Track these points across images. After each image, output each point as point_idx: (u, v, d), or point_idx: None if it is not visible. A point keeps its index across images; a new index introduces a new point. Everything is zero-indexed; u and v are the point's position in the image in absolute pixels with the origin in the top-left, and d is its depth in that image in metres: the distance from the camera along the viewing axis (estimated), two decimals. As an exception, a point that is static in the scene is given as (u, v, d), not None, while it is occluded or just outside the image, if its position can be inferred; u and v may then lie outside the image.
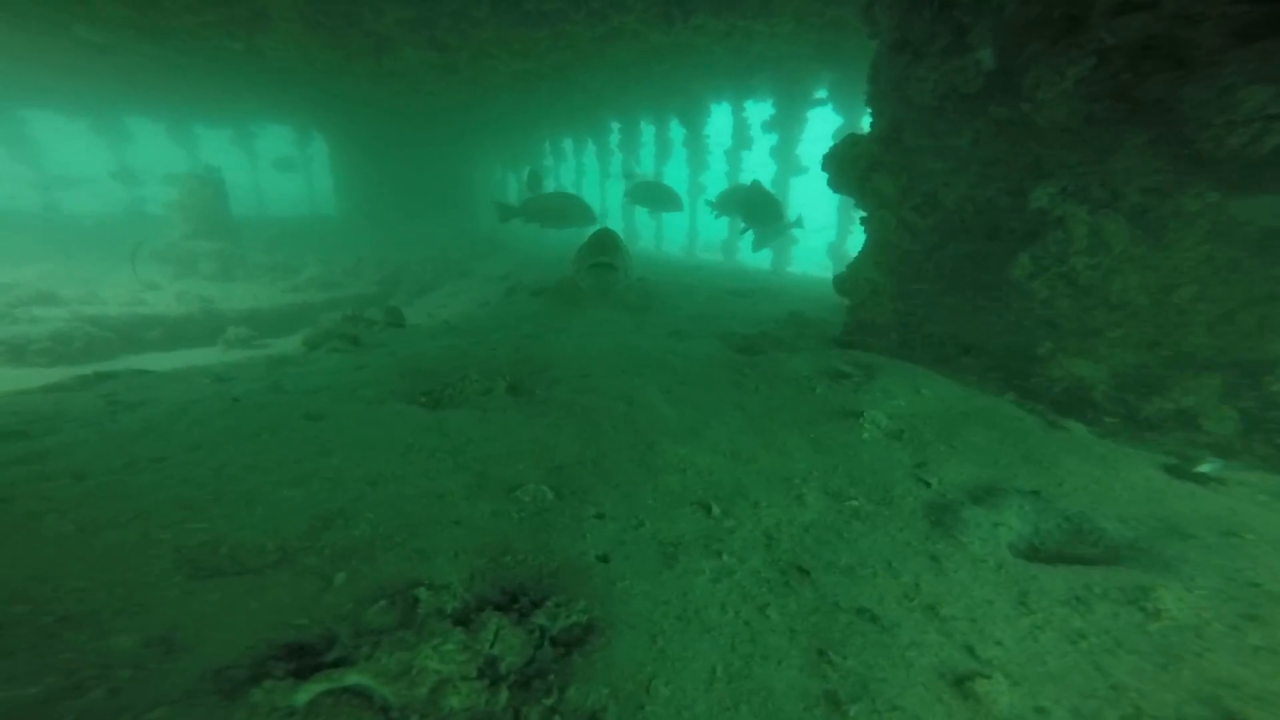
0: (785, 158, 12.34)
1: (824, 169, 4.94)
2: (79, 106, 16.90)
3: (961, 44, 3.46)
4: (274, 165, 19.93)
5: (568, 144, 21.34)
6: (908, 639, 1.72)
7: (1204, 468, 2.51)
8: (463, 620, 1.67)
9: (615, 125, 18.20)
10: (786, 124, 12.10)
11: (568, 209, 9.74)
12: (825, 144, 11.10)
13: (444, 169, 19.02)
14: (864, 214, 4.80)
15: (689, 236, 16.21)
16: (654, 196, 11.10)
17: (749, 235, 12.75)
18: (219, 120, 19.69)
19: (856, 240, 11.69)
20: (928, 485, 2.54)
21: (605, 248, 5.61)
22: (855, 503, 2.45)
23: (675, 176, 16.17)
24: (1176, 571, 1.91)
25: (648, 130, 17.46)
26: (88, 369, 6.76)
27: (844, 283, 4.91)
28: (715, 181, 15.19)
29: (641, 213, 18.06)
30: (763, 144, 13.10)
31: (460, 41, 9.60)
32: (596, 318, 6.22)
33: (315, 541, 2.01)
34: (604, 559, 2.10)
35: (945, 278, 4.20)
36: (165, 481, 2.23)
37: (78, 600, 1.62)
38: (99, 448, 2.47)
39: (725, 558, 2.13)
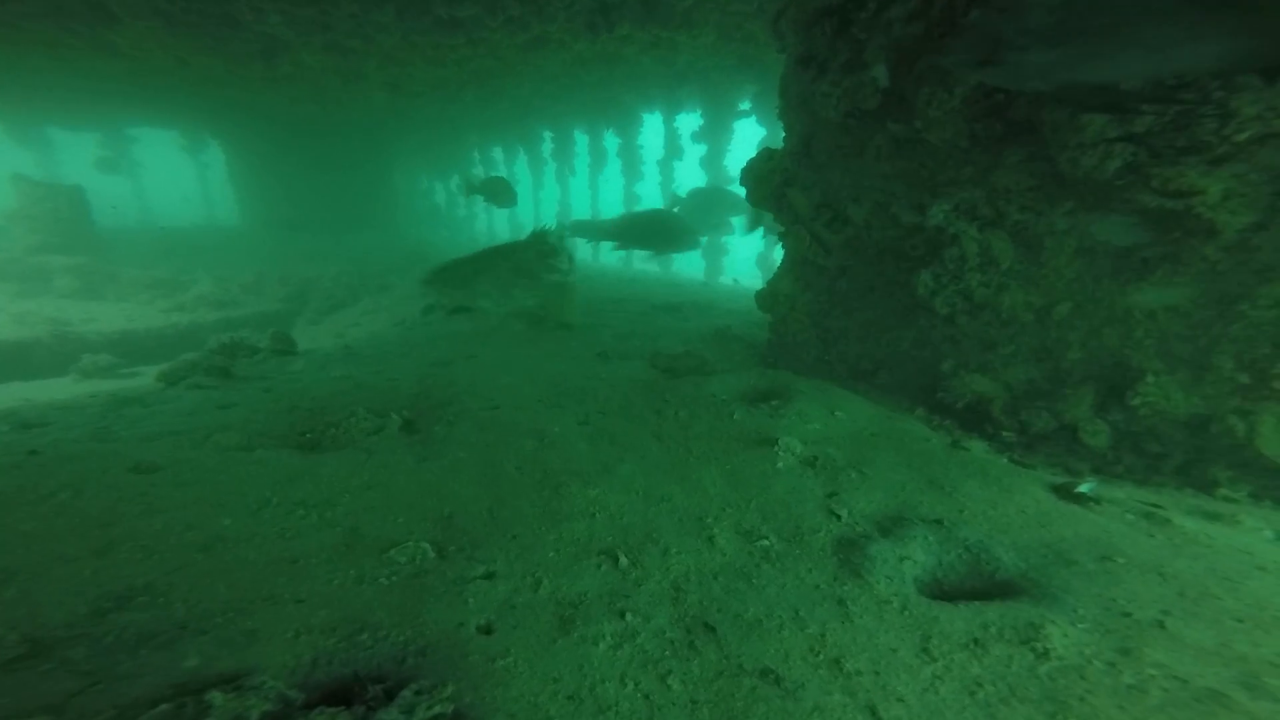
0: (714, 168, 12.54)
1: (742, 183, 4.92)
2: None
3: (859, 61, 3.50)
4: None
5: (498, 152, 20.78)
6: (811, 703, 1.57)
7: (1083, 487, 2.57)
8: (280, 733, 1.34)
9: (548, 134, 17.90)
10: (715, 134, 12.31)
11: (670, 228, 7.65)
12: (751, 154, 11.40)
13: (362, 178, 17.92)
14: (781, 229, 4.81)
15: (626, 249, 16.10)
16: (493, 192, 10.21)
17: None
18: (82, 123, 17.45)
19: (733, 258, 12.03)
20: (838, 518, 2.44)
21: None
22: (766, 542, 2.31)
23: (611, 186, 16.11)
24: (1062, 604, 1.89)
25: (581, 140, 17.30)
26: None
27: (765, 298, 4.88)
28: (649, 191, 15.23)
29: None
30: (693, 154, 13.27)
31: (364, 46, 9.01)
32: (518, 339, 5.89)
33: (94, 628, 1.59)
34: (486, 630, 1.82)
35: (858, 294, 4.24)
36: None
37: None
38: None
39: (629, 618, 1.91)
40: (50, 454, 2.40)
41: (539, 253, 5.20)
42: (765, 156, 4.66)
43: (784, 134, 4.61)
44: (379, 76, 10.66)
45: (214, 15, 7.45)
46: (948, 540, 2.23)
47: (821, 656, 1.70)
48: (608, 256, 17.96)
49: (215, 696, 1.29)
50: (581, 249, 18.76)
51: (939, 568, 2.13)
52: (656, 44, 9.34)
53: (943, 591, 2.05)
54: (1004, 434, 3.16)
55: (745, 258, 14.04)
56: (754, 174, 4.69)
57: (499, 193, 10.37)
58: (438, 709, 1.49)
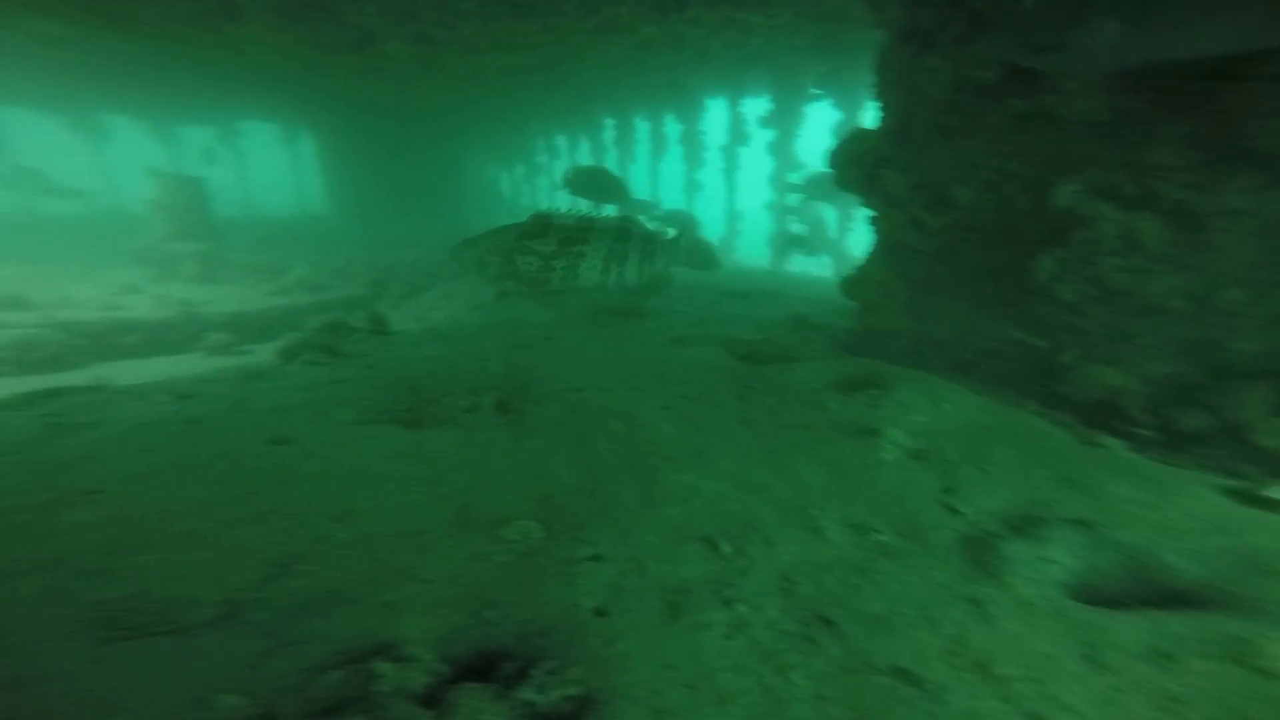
0: (783, 153, 12.09)
1: (830, 165, 4.69)
2: (52, 104, 16.41)
3: (978, 31, 3.21)
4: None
5: (561, 141, 21.01)
6: (961, 707, 1.48)
7: (1275, 491, 2.27)
8: (432, 700, 1.41)
9: (609, 121, 17.89)
10: (784, 119, 11.84)
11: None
12: (824, 140, 10.89)
13: (435, 166, 18.67)
14: (872, 213, 4.55)
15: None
16: (595, 186, 9.89)
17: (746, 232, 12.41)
18: (204, 119, 19.23)
19: (855, 239, 11.51)
20: (960, 515, 2.30)
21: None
22: (881, 537, 2.21)
23: (671, 173, 15.91)
24: (1276, 619, 1.67)
25: (642, 126, 17.16)
26: (56, 377, 6.47)
27: (851, 285, 4.66)
28: (711, 178, 14.92)
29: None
30: (760, 139, 12.84)
31: (446, 35, 9.28)
32: (591, 323, 5.96)
33: (267, 592, 1.75)
34: (600, 612, 1.85)
35: (959, 279, 3.96)
36: (94, 521, 1.96)
37: None
38: (22, 480, 2.19)
39: (739, 607, 1.88)
40: (205, 425, 2.67)
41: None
42: (857, 137, 4.41)
43: (880, 113, 4.34)
44: (456, 65, 10.99)
45: (319, 7, 7.94)
46: (1099, 543, 2.04)
47: (963, 659, 1.60)
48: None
49: (383, 666, 1.38)
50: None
51: (1089, 572, 1.96)
52: (727, 25, 9.03)
53: (1096, 598, 1.88)
54: (1140, 431, 2.86)
55: (757, 240, 13.46)
56: (845, 155, 4.46)
57: (606, 188, 10.04)
58: (570, 690, 1.53)
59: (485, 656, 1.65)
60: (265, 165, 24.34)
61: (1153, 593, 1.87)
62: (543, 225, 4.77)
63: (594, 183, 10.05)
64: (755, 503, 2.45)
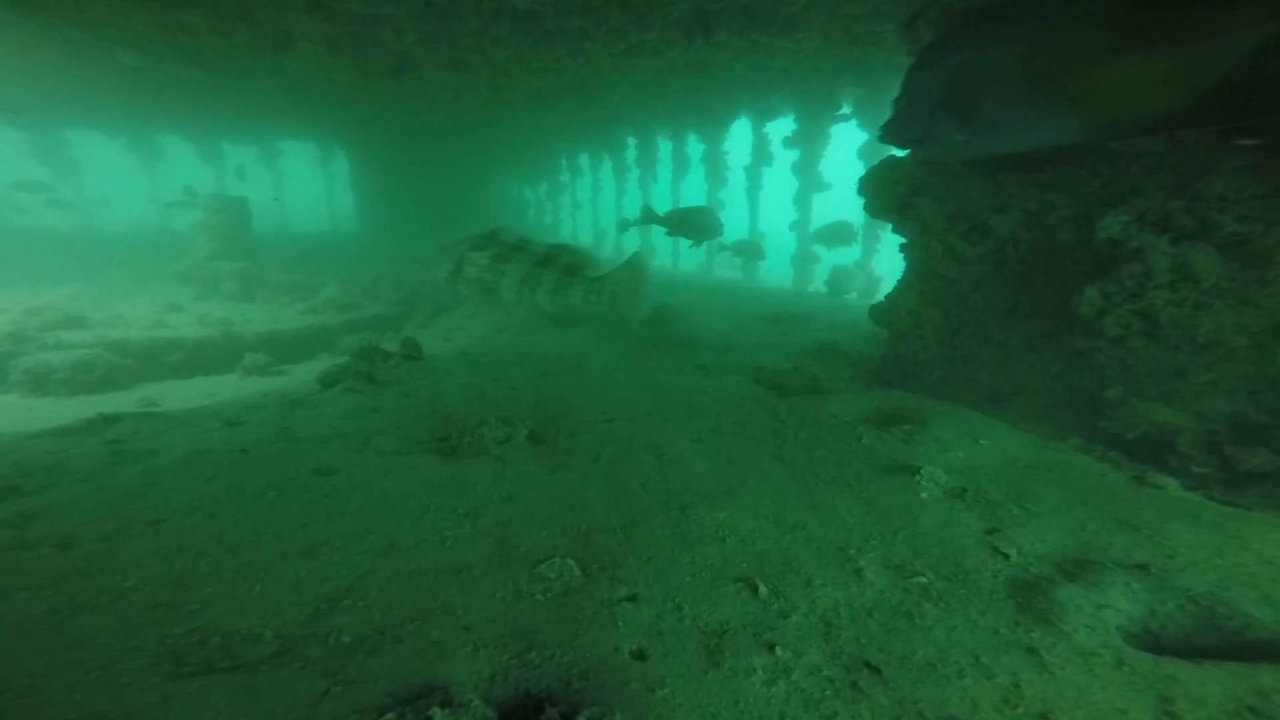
0: (807, 174, 12.11)
1: (860, 193, 4.69)
2: (117, 126, 17.42)
3: None
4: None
5: (584, 159, 21.38)
6: None
7: None
8: (483, 749, 1.43)
9: (632, 141, 18.16)
10: (809, 139, 11.88)
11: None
12: (848, 160, 10.87)
13: (461, 186, 19.14)
14: (903, 241, 4.53)
15: (708, 253, 16.00)
16: (692, 224, 10.03)
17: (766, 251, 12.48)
18: (245, 138, 20.13)
19: (882, 261, 11.44)
20: (1006, 557, 2.25)
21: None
22: (923, 579, 2.17)
23: (693, 193, 16.04)
24: None
25: (664, 146, 17.38)
26: (107, 398, 6.77)
27: (882, 313, 4.63)
28: (734, 197, 14.99)
29: (658, 230, 17.93)
30: (784, 159, 12.90)
31: (480, 60, 9.60)
32: (618, 349, 6.02)
33: (319, 628, 1.80)
34: (640, 656, 1.85)
35: (996, 311, 3.90)
36: (158, 551, 2.05)
37: (20, 711, 1.42)
38: (93, 508, 2.30)
39: (779, 652, 1.87)
40: (255, 454, 2.76)
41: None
42: (890, 164, 4.41)
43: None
44: (487, 89, 11.33)
45: (363, 36, 8.34)
46: (1161, 589, 1.97)
47: (1021, 710, 1.56)
48: (687, 262, 17.94)
49: (436, 712, 1.40)
50: (662, 255, 18.87)
51: (1151, 619, 1.89)
52: (753, 49, 9.16)
53: (1160, 647, 1.81)
54: (1196, 469, 2.77)
55: (781, 259, 13.41)
56: (877, 182, 4.46)
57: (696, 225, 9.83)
58: (611, 738, 1.53)
59: (529, 699, 1.67)
60: (299, 184, 25.28)
61: (1228, 644, 1.79)
62: (486, 240, 5.08)
63: (690, 219, 10.19)
64: (792, 542, 2.43)
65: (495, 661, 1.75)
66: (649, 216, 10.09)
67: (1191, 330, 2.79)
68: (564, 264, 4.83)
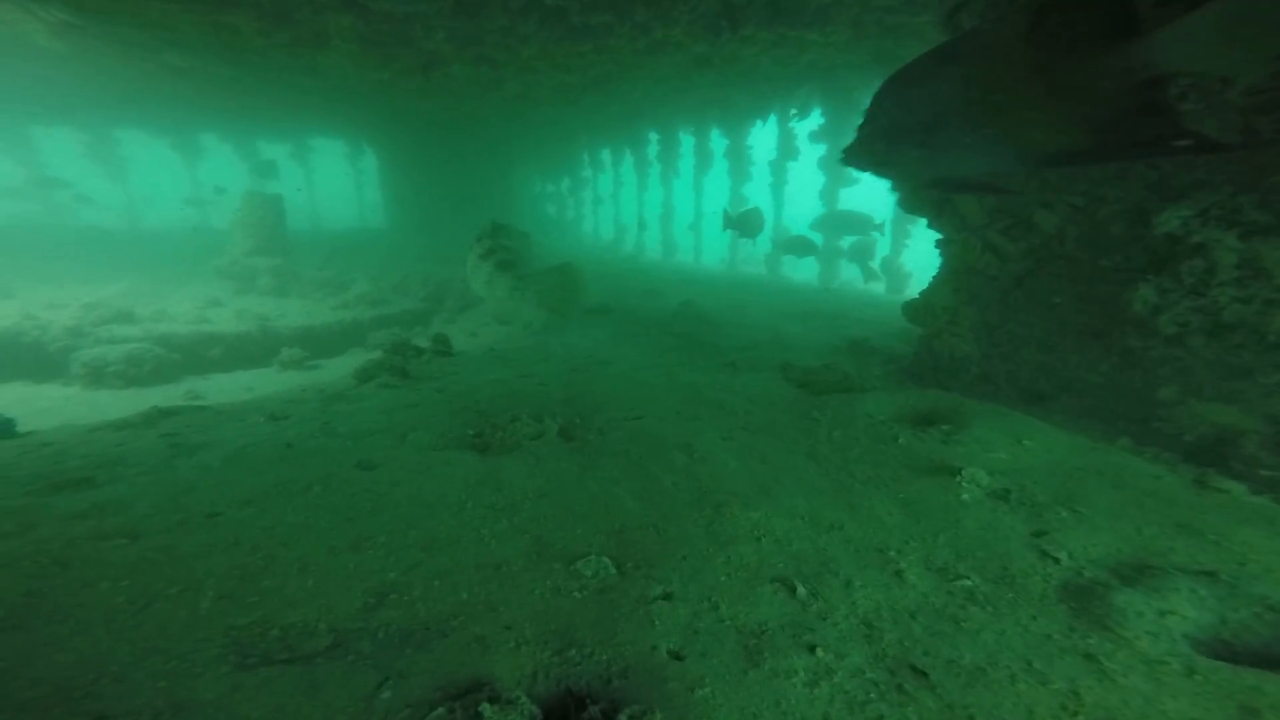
0: (834, 169, 11.88)
1: (895, 188, 4.59)
2: (162, 125, 18.12)
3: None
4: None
5: (605, 155, 21.37)
6: None
7: None
8: (531, 744, 1.45)
9: (654, 135, 18.09)
10: (836, 134, 11.65)
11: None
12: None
13: (485, 181, 19.34)
14: (940, 236, 4.42)
15: (731, 250, 15.86)
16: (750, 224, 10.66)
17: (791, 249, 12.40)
18: (279, 135, 20.68)
19: (911, 255, 11.18)
20: (1056, 561, 2.18)
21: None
22: (968, 582, 2.12)
23: (716, 188, 15.91)
24: None
25: (687, 141, 17.26)
26: (156, 391, 7.07)
27: (916, 310, 4.52)
28: (758, 193, 14.81)
29: (680, 226, 17.85)
30: (810, 155, 12.68)
31: (506, 57, 9.67)
32: (644, 345, 6.01)
33: (369, 622, 1.84)
34: (677, 655, 1.85)
35: (1038, 308, 3.78)
36: (217, 544, 2.13)
37: (118, 697, 1.49)
38: (156, 500, 2.40)
39: (820, 653, 1.85)
40: (299, 449, 2.85)
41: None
42: (926, 157, 4.29)
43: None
44: (512, 85, 11.42)
45: (394, 34, 8.50)
46: (1232, 596, 1.89)
47: (1081, 718, 1.52)
48: (709, 258, 17.80)
49: (486, 708, 1.43)
50: (684, 252, 18.76)
51: (1224, 627, 1.82)
52: (780, 43, 9.02)
53: (1233, 656, 1.74)
54: (1262, 472, 2.64)
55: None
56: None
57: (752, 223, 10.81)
58: (652, 737, 1.54)
59: (570, 696, 1.68)
60: (330, 180, 25.87)
61: None
62: (480, 235, 5.65)
63: (749, 220, 10.72)
64: (829, 543, 2.40)
65: (537, 658, 1.78)
66: (728, 222, 10.81)
67: (1261, 328, 2.65)
68: (499, 259, 5.39)
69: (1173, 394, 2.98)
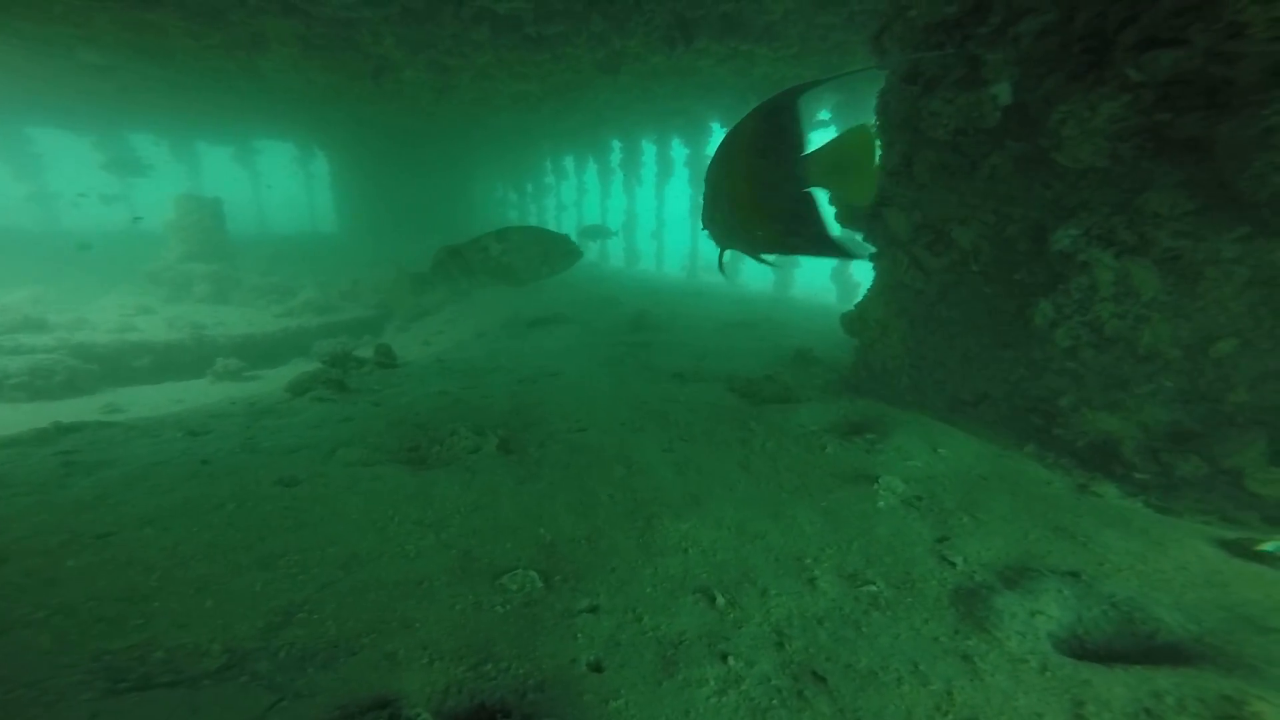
0: (787, 181, 12.24)
1: (831, 202, 4.78)
2: (83, 124, 17.00)
3: (977, 77, 3.31)
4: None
5: (569, 162, 21.38)
6: None
7: (1268, 546, 2.28)
8: (431, 765, 1.44)
9: (616, 144, 18.23)
10: (788, 147, 12.01)
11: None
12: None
13: (444, 188, 19.02)
14: (872, 250, 4.63)
15: (690, 258, 16.10)
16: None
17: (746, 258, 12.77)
18: (221, 138, 19.78)
19: (862, 267, 11.67)
20: (953, 565, 2.32)
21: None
22: (873, 588, 2.23)
23: (678, 196, 16.15)
24: (1266, 677, 1.68)
25: (649, 149, 17.48)
26: (67, 404, 6.60)
27: (852, 322, 4.72)
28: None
29: (643, 234, 18.03)
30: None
31: (460, 63, 9.58)
32: (598, 355, 6.04)
33: (270, 641, 1.79)
34: (596, 668, 1.87)
35: (959, 321, 4.01)
36: (105, 565, 2.02)
37: None
38: (37, 522, 2.25)
39: (731, 662, 1.91)
40: (216, 465, 2.73)
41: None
42: (858, 176, 4.50)
43: (882, 150, 4.44)
44: (468, 91, 11.31)
45: (339, 39, 8.28)
46: (1088, 595, 2.06)
47: (951, 716, 1.62)
48: (671, 268, 18.05)
49: (382, 727, 1.42)
50: (646, 260, 18.97)
51: (1078, 625, 1.98)
52: (734, 56, 9.29)
53: (1085, 652, 1.90)
54: (1137, 475, 2.88)
55: (821, 269, 13.66)
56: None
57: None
58: (561, 749, 1.56)
59: (483, 711, 1.68)
60: (278, 184, 24.87)
61: (1141, 647, 1.88)
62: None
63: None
64: (751, 552, 2.48)
65: (450, 674, 1.77)
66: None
67: (1133, 342, 2.90)
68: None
69: (1069, 403, 3.21)
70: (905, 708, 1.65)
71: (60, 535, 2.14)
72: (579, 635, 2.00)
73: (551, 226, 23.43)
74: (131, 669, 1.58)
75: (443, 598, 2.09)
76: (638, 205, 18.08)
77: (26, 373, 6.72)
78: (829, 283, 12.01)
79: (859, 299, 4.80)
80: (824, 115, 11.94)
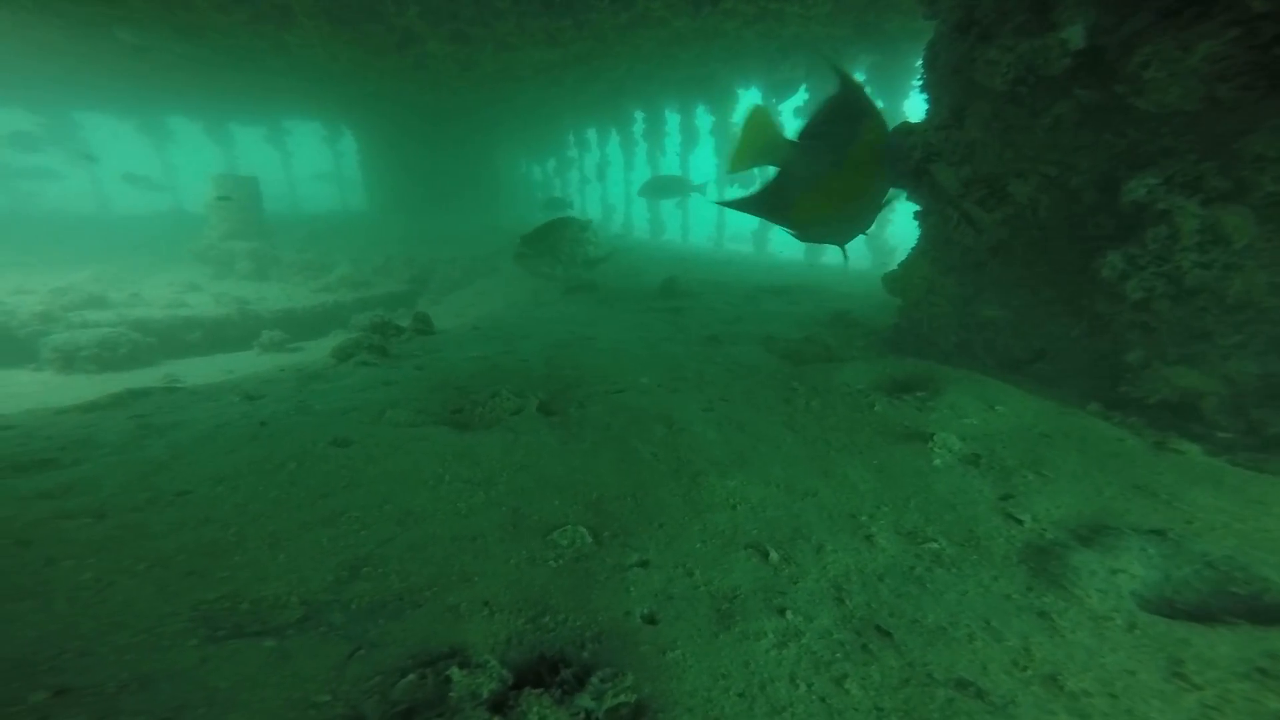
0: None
1: (873, 158, 4.56)
2: (126, 108, 17.47)
3: (1043, 21, 3.06)
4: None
5: (591, 134, 21.00)
6: None
7: None
8: (499, 706, 1.47)
9: (639, 114, 17.78)
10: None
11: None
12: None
13: (470, 163, 18.97)
14: (917, 208, 4.42)
15: (717, 227, 15.76)
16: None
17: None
18: (253, 118, 20.07)
19: (896, 231, 11.21)
20: (1019, 523, 2.24)
21: (527, 240, 5.82)
22: (935, 545, 2.17)
23: (703, 165, 15.74)
24: None
25: (672, 119, 17.00)
26: (132, 375, 6.94)
27: (896, 281, 4.54)
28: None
29: (667, 204, 17.69)
30: (794, 129, 12.53)
31: (483, 33, 9.41)
32: (628, 321, 5.99)
33: (341, 594, 1.85)
34: (650, 619, 1.88)
35: (1013, 277, 3.81)
36: (187, 521, 2.11)
37: (80, 671, 1.49)
38: (124, 479, 2.37)
39: (790, 616, 1.89)
40: (274, 427, 2.82)
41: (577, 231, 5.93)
42: (904, 130, 4.27)
43: (929, 105, 4.19)
44: (491, 65, 11.14)
45: (363, 9, 8.23)
46: (1177, 554, 1.96)
47: (1030, 673, 1.57)
48: (697, 236, 17.72)
49: (455, 672, 1.45)
50: (672, 230, 18.66)
51: (1165, 585, 1.89)
52: (762, 16, 8.85)
53: (1175, 612, 1.81)
54: (1220, 434, 2.72)
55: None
56: (889, 149, 4.32)
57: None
58: (623, 697, 1.57)
59: (543, 662, 1.71)
60: (307, 163, 25.22)
61: (1245, 608, 1.78)
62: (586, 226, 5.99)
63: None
64: (802, 509, 2.44)
65: (510, 625, 1.80)
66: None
67: (1220, 292, 2.69)
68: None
69: (1139, 358, 3.03)
70: (980, 662, 1.61)
71: (146, 492, 2.25)
72: (631, 589, 2.00)
73: (575, 199, 23.25)
74: (225, 618, 1.66)
75: (497, 553, 2.13)
76: (667, 171, 17.66)
77: (96, 345, 7.10)
78: (863, 248, 11.60)
79: (895, 262, 4.62)
80: (858, 77, 11.36)
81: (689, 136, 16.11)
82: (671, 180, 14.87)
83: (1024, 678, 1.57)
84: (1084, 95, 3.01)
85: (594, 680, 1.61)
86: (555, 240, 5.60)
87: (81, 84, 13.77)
